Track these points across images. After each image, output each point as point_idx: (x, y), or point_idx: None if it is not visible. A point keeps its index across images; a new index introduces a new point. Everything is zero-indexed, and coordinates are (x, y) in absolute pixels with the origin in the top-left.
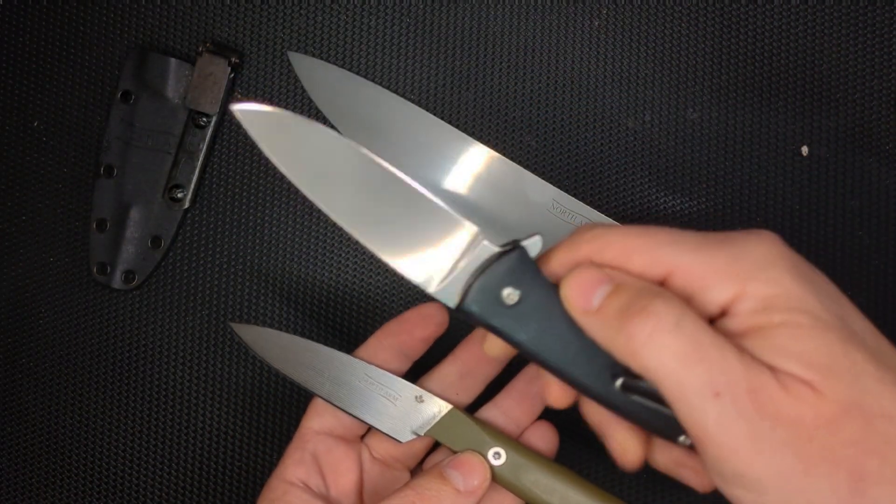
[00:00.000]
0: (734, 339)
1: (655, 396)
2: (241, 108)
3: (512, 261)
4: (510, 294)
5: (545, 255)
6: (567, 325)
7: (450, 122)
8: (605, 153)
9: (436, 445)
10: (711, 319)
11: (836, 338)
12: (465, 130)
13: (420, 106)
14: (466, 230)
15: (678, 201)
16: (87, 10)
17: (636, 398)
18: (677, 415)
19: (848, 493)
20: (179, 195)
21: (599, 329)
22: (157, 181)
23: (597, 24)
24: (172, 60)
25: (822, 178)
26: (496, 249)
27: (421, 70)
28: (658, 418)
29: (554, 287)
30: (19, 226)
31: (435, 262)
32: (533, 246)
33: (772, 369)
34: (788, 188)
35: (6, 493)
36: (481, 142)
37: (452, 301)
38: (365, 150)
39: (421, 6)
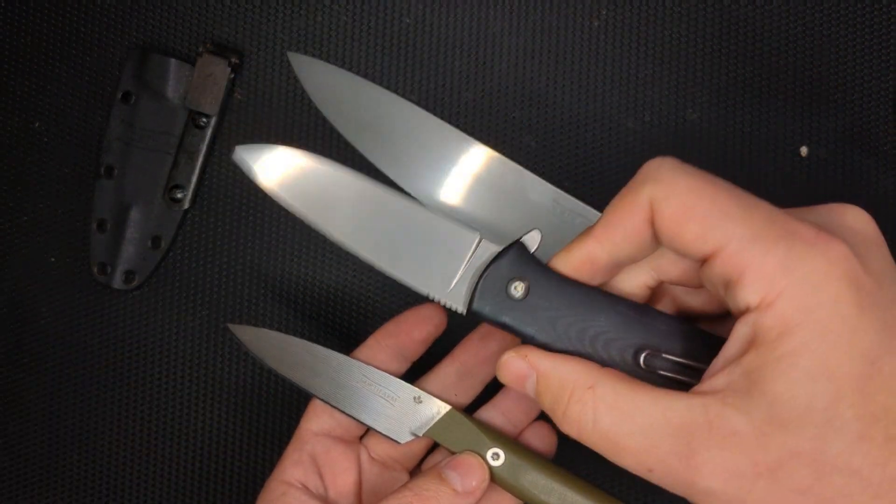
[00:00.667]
0: (744, 344)
1: (679, 369)
2: (241, 152)
3: (513, 255)
4: (517, 286)
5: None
6: (581, 310)
7: (450, 122)
8: (605, 153)
9: (435, 446)
10: (740, 313)
11: (833, 390)
12: (465, 130)
13: (420, 106)
14: (468, 237)
15: None
16: (87, 11)
17: (661, 372)
18: None
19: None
20: (179, 195)
21: (546, 411)
22: (157, 181)
23: (597, 24)
24: (172, 61)
25: (822, 178)
26: (497, 248)
27: (421, 70)
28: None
29: (558, 276)
30: (20, 226)
31: (441, 271)
32: (531, 240)
33: (734, 398)
34: (788, 188)
35: (6, 493)
36: (481, 142)
37: (462, 305)
38: (363, 178)
39: (421, 6)
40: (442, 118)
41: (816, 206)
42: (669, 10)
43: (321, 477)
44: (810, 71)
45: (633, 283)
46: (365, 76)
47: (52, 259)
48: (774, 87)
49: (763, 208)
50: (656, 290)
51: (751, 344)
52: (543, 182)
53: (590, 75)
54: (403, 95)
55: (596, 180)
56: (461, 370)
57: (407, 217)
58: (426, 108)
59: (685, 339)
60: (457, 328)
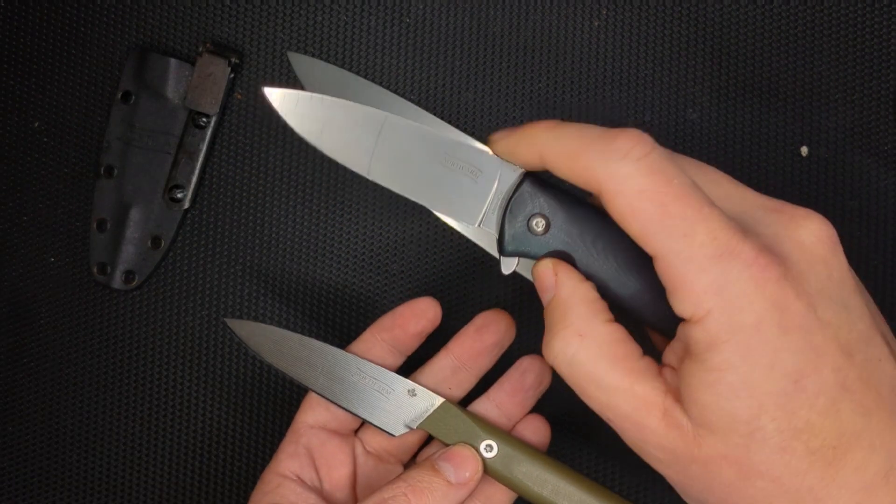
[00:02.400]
0: (681, 351)
1: None
2: (271, 91)
3: (526, 189)
4: (538, 222)
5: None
6: (607, 239)
7: (450, 122)
8: None
9: (430, 439)
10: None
11: (755, 404)
12: (465, 130)
13: (420, 106)
14: (494, 162)
15: None
16: (87, 11)
17: None
18: None
19: None
20: (179, 195)
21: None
22: (157, 181)
23: (597, 24)
24: (172, 61)
25: (822, 178)
26: (518, 173)
27: (421, 70)
28: None
29: (582, 203)
30: (19, 226)
31: (472, 199)
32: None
33: (678, 400)
34: (788, 188)
35: (6, 493)
36: (481, 142)
37: (495, 240)
38: (394, 116)
39: (421, 6)
40: (442, 118)
41: (784, 208)
42: (669, 10)
43: (316, 469)
44: (810, 71)
45: None
46: (365, 76)
47: (52, 259)
48: (774, 87)
49: (711, 222)
50: None
51: (685, 355)
52: None
53: (590, 75)
54: (403, 95)
55: None
56: (456, 363)
57: (436, 146)
58: (426, 108)
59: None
60: (452, 322)
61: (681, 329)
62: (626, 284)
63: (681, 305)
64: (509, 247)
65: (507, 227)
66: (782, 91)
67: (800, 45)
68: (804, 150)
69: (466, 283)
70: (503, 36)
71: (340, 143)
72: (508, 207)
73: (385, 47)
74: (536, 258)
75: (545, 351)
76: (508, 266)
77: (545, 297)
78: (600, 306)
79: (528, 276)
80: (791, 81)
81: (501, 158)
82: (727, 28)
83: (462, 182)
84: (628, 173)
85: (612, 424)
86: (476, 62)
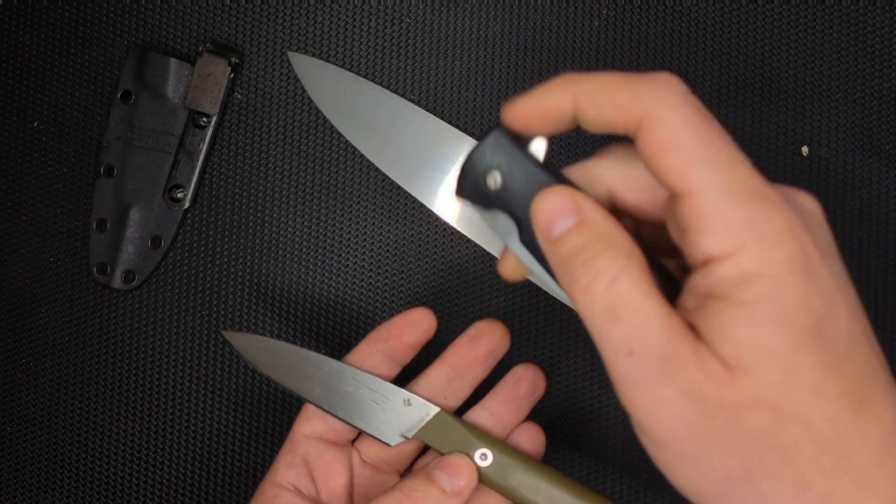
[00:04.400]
0: (701, 296)
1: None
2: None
3: (490, 143)
4: (494, 177)
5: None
6: None
7: (450, 122)
8: None
9: (425, 448)
10: (694, 264)
11: (791, 337)
12: (465, 130)
13: (420, 106)
14: (466, 143)
15: None
16: (87, 10)
17: None
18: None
19: (737, 477)
20: (179, 195)
21: (550, 258)
22: (157, 181)
23: (597, 24)
24: (172, 60)
25: (822, 178)
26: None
27: (421, 70)
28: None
29: (534, 164)
30: (19, 226)
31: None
32: (538, 148)
33: (705, 343)
34: None
35: (6, 493)
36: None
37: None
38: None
39: (421, 6)
40: (442, 118)
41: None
42: (669, 10)
43: (313, 479)
44: (810, 71)
45: (594, 194)
46: (365, 76)
47: (52, 259)
48: (774, 87)
49: (745, 164)
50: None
51: (708, 296)
52: None
53: None
54: (403, 95)
55: None
56: (451, 373)
57: (412, 121)
58: (426, 108)
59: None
60: (447, 332)
61: (699, 275)
62: None
63: (711, 241)
64: (461, 192)
65: (463, 172)
66: (782, 91)
67: (800, 45)
68: (804, 150)
69: (461, 293)
70: (503, 36)
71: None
72: (470, 155)
73: (385, 47)
74: (484, 210)
75: (575, 276)
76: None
77: (557, 224)
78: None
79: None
80: (791, 81)
81: (515, 126)
82: (727, 28)
83: (439, 157)
84: (675, 102)
85: (626, 364)
86: (476, 62)
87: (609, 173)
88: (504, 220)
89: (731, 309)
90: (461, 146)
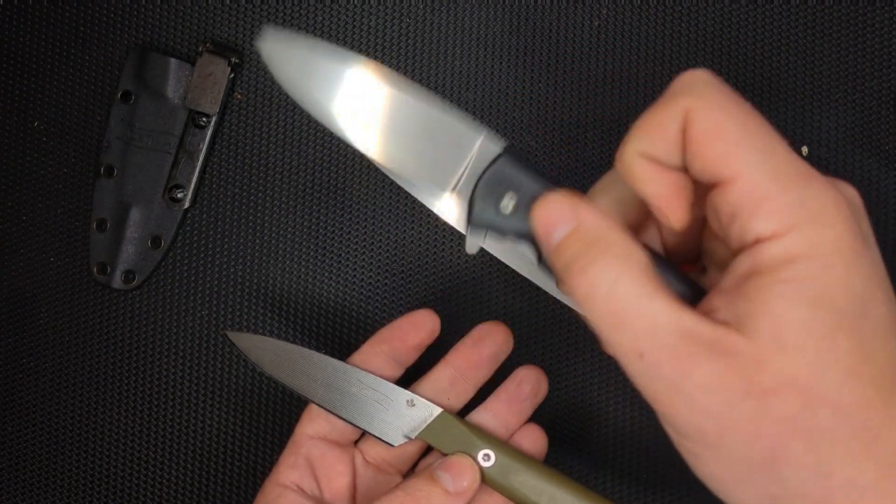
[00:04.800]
0: (743, 275)
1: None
2: (267, 41)
3: (501, 164)
4: (508, 201)
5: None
6: None
7: None
8: (606, 153)
9: (428, 449)
10: (744, 246)
11: (832, 318)
12: None
13: None
14: (472, 135)
15: None
16: (87, 10)
17: None
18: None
19: (760, 465)
20: (179, 195)
21: (553, 268)
22: (157, 181)
23: (597, 24)
24: (172, 60)
25: None
26: (497, 150)
27: (421, 70)
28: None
29: (550, 187)
30: (19, 226)
31: (444, 169)
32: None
33: (736, 325)
34: None
35: (6, 493)
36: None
37: (464, 217)
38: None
39: (421, 6)
40: None
41: None
42: (669, 10)
43: (316, 480)
44: (810, 71)
45: (629, 199)
46: None
47: (52, 259)
48: (774, 87)
49: (785, 146)
50: (646, 216)
51: (753, 273)
52: None
53: (590, 75)
54: None
55: (596, 180)
56: (454, 374)
57: (412, 113)
58: None
59: (672, 278)
60: (451, 333)
61: (745, 255)
62: None
63: (762, 223)
64: (476, 220)
65: (476, 199)
66: (782, 91)
67: (800, 45)
68: (804, 150)
69: (463, 294)
70: (503, 36)
71: (323, 100)
72: (481, 179)
73: (385, 47)
74: (502, 237)
75: (574, 285)
76: (473, 245)
77: (556, 232)
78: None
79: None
80: (791, 81)
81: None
82: (727, 28)
83: (439, 149)
84: (711, 93)
85: (639, 366)
86: (476, 62)
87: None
88: (522, 246)
89: (774, 285)
90: (444, 116)
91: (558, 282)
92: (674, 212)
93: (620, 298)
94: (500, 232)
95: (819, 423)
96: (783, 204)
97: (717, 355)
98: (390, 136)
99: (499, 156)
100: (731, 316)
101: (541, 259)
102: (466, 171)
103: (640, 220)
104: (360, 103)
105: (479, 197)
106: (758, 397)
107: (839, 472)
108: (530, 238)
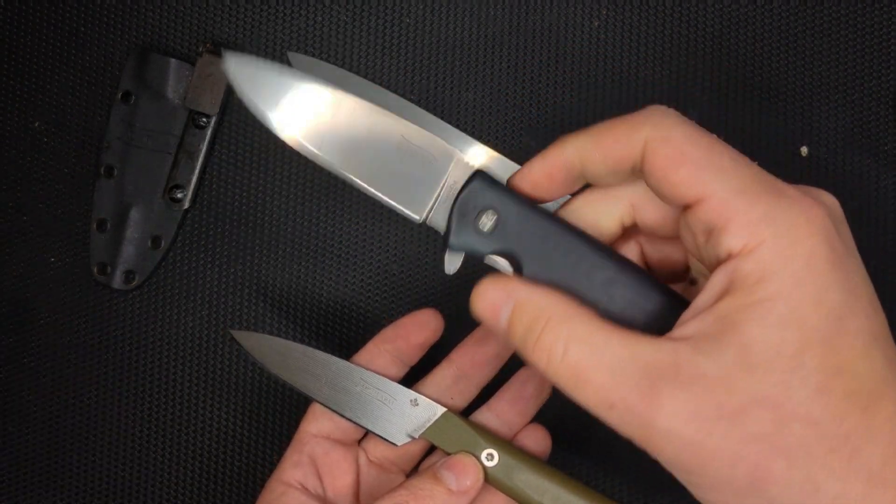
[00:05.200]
0: (720, 292)
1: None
2: (232, 61)
3: (478, 183)
4: (486, 219)
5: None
6: (558, 237)
7: (450, 122)
8: None
9: (432, 448)
10: (719, 262)
11: (800, 337)
12: (465, 130)
13: (420, 106)
14: (448, 154)
15: None
16: (87, 11)
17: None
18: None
19: (745, 488)
20: (179, 195)
21: (511, 345)
22: (158, 181)
23: (597, 24)
24: (172, 61)
25: (822, 178)
26: (471, 168)
27: (421, 70)
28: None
29: (527, 206)
30: (19, 226)
31: (421, 188)
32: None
33: (705, 343)
34: None
35: (6, 493)
36: (481, 142)
37: (441, 229)
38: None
39: (421, 6)
40: (442, 118)
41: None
42: (669, 10)
43: (320, 478)
44: (810, 71)
45: (610, 215)
46: (365, 76)
47: (52, 259)
48: (775, 86)
49: (753, 166)
50: (625, 232)
51: (726, 291)
52: None
53: (590, 75)
54: (403, 95)
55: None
56: (457, 373)
57: (386, 131)
58: (426, 108)
59: (650, 292)
60: (454, 333)
61: (720, 270)
62: (587, 277)
63: (733, 238)
64: (454, 242)
65: (453, 220)
66: (782, 91)
67: (800, 45)
68: (804, 150)
69: (466, 294)
70: (503, 36)
71: (292, 116)
72: (457, 200)
73: (385, 47)
74: (482, 256)
75: (535, 358)
76: (453, 264)
77: (501, 316)
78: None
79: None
80: (791, 81)
81: (528, 192)
82: (727, 28)
83: (412, 170)
84: (673, 123)
85: (613, 415)
86: (476, 62)
87: (631, 190)
88: (502, 263)
89: (745, 308)
90: (461, 146)
91: (522, 358)
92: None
93: (576, 358)
94: (478, 252)
95: (796, 440)
96: (752, 218)
97: (682, 382)
98: (364, 161)
99: (473, 176)
100: (701, 335)
101: (526, 274)
102: (442, 193)
103: (617, 235)
104: (324, 123)
105: (456, 217)
106: (730, 418)
107: (826, 488)
108: (510, 255)
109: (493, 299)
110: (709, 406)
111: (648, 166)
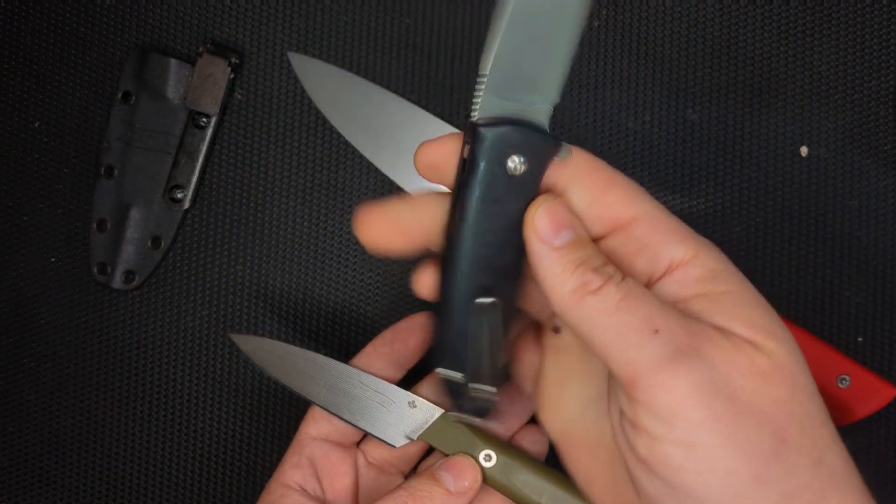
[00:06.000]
0: (679, 303)
1: None
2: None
3: (530, 130)
4: (517, 164)
5: None
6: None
7: (450, 123)
8: (605, 153)
9: (430, 450)
10: (652, 278)
11: (779, 319)
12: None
13: (420, 106)
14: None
15: (678, 201)
16: (87, 11)
17: None
18: (610, 361)
19: (770, 451)
20: (179, 195)
21: (550, 267)
22: (157, 181)
23: (597, 24)
24: (172, 61)
25: (822, 178)
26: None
27: (421, 70)
28: None
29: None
30: (19, 226)
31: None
32: (563, 149)
33: (715, 328)
34: (788, 188)
35: (6, 493)
36: None
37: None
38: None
39: (421, 6)
40: (442, 118)
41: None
42: (669, 10)
43: (319, 480)
44: (810, 71)
45: None
46: (365, 76)
47: (52, 259)
48: (774, 87)
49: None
50: None
51: (688, 298)
52: None
53: (590, 75)
54: (403, 95)
55: None
56: None
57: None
58: (426, 108)
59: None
60: None
61: (666, 283)
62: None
63: (674, 249)
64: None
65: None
66: (782, 91)
67: (800, 45)
68: (804, 150)
69: None
70: None
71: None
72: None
73: (385, 47)
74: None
75: (569, 288)
76: None
77: (561, 235)
78: None
79: None
80: (791, 81)
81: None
82: (727, 28)
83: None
84: (590, 157)
85: (651, 345)
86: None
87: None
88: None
89: (721, 298)
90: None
91: (552, 274)
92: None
93: (631, 287)
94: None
95: (804, 409)
96: (685, 233)
97: (719, 337)
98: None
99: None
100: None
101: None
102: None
103: None
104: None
105: (486, 146)
106: (759, 379)
107: (826, 460)
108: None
109: (563, 216)
110: (745, 362)
111: (580, 189)
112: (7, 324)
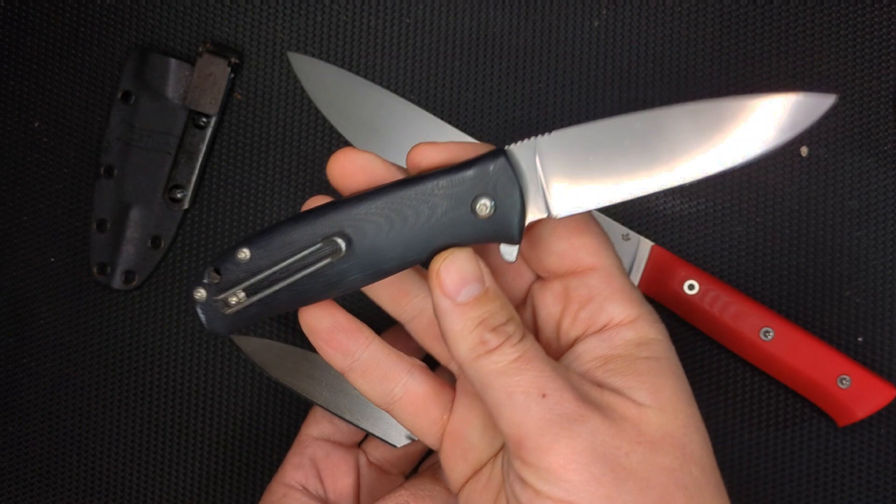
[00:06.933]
0: (599, 360)
1: None
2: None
3: (495, 166)
4: (483, 205)
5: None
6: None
7: (450, 122)
8: None
9: (431, 451)
10: (588, 330)
11: (688, 393)
12: (465, 130)
13: (420, 106)
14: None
15: (678, 202)
16: (87, 11)
17: None
18: (498, 419)
19: None
20: (179, 195)
21: (451, 321)
22: (157, 181)
23: (597, 24)
24: (172, 61)
25: (822, 178)
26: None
27: (421, 70)
28: None
29: None
30: (19, 226)
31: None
32: (507, 251)
33: (615, 393)
34: (788, 188)
35: (6, 493)
36: (481, 142)
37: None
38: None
39: (421, 6)
40: (442, 118)
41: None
42: (669, 10)
43: (321, 480)
44: (810, 71)
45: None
46: (365, 76)
47: (52, 259)
48: (774, 86)
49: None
50: None
51: (611, 357)
52: None
53: (590, 75)
54: (403, 95)
55: None
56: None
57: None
58: (426, 108)
59: None
60: None
61: (596, 339)
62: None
63: (619, 308)
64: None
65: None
66: (782, 91)
67: (799, 44)
68: (804, 151)
69: None
70: (503, 36)
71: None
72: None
73: (385, 47)
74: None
75: (465, 348)
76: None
77: (465, 290)
78: None
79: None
80: (791, 82)
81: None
82: (727, 28)
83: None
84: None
85: (538, 410)
86: (476, 62)
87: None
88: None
89: (640, 363)
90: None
91: (453, 333)
92: None
93: (527, 348)
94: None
95: (693, 480)
96: (633, 296)
97: (609, 406)
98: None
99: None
100: (615, 386)
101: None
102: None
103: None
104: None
105: (446, 191)
106: (647, 447)
107: None
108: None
109: (471, 272)
110: (630, 432)
111: (557, 226)
112: (7, 323)
